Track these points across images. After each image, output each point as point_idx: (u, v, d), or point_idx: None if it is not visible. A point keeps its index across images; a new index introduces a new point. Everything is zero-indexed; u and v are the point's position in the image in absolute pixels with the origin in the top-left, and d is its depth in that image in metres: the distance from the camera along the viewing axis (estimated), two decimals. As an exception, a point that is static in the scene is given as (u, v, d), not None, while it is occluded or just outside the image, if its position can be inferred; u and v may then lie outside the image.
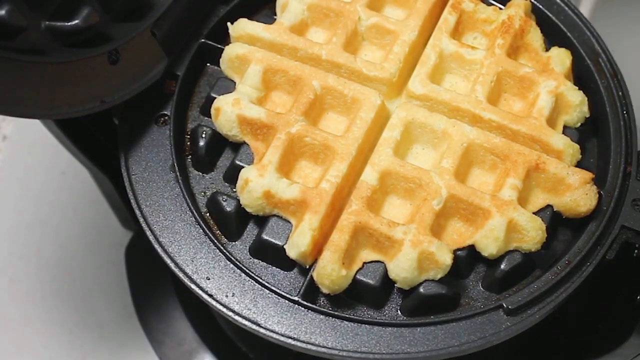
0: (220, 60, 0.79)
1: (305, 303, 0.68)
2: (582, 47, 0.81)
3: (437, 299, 0.69)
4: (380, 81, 0.76)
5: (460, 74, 0.79)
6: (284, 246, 0.70)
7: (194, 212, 0.72)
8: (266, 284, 0.69)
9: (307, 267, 0.70)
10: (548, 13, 0.83)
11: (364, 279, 0.69)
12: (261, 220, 0.72)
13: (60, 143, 0.89)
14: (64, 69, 0.68)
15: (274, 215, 0.71)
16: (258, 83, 0.76)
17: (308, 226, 0.68)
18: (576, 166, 0.74)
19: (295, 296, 0.69)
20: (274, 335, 0.67)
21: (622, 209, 0.72)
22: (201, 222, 0.72)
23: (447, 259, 0.68)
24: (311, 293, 0.69)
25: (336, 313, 0.68)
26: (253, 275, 0.70)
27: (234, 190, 0.74)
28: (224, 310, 0.68)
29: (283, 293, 0.69)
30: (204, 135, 0.76)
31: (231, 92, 0.76)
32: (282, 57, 0.77)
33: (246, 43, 0.78)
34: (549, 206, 0.73)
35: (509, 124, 0.74)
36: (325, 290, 0.68)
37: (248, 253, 0.72)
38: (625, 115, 0.77)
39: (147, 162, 0.75)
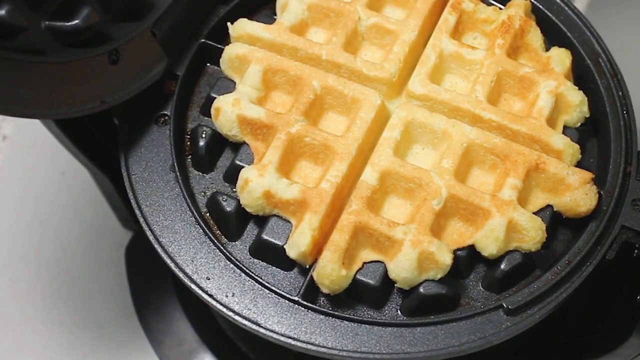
0: (220, 60, 0.79)
1: (305, 303, 0.68)
2: (582, 47, 0.81)
3: (437, 299, 0.69)
4: (380, 81, 0.76)
5: (460, 74, 0.79)
6: (284, 246, 0.70)
7: (194, 212, 0.72)
8: (266, 284, 0.69)
9: (307, 267, 0.70)
10: (548, 13, 0.83)
11: (364, 279, 0.69)
12: (261, 220, 0.72)
13: (60, 143, 0.88)
14: (64, 69, 0.68)
15: (274, 215, 0.71)
16: (258, 83, 0.76)
17: (308, 226, 0.68)
18: (576, 166, 0.74)
19: (295, 296, 0.69)
20: (274, 335, 0.67)
21: (622, 209, 0.72)
22: (201, 222, 0.72)
23: (447, 259, 0.68)
24: (311, 293, 0.69)
25: (336, 313, 0.68)
26: (253, 275, 0.70)
27: (234, 190, 0.74)
28: (224, 310, 0.68)
29: (283, 293, 0.69)
30: (204, 135, 0.76)
31: (231, 92, 0.76)
32: (282, 57, 0.77)
33: (246, 43, 0.78)
34: (549, 206, 0.73)
35: (509, 124, 0.74)
36: (325, 290, 0.68)
37: (248, 253, 0.72)
38: (625, 115, 0.77)
39: (147, 162, 0.75)
